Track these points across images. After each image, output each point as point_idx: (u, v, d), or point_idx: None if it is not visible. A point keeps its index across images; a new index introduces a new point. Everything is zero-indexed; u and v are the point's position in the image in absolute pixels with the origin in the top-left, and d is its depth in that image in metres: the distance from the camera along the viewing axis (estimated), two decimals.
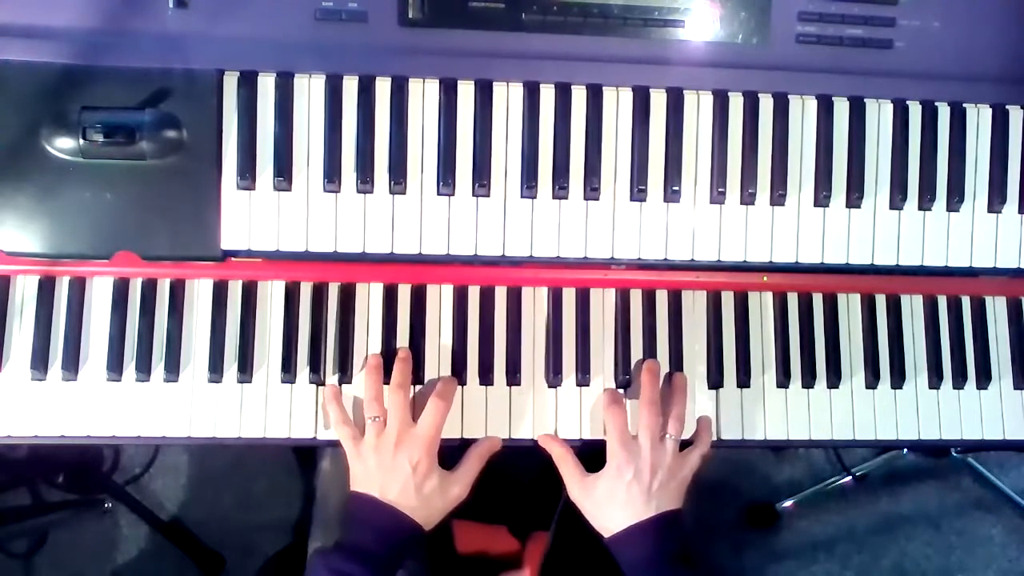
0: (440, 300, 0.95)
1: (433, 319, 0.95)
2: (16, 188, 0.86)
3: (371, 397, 0.90)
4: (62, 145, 0.85)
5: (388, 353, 0.93)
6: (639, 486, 0.88)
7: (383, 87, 0.89)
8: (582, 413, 0.95)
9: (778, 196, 0.93)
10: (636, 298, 0.97)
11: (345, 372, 0.93)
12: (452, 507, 0.92)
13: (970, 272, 0.98)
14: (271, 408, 0.92)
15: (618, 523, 0.89)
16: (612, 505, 0.89)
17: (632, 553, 0.89)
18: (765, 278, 0.98)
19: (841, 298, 1.00)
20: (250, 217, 0.89)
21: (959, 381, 1.00)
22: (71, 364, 0.90)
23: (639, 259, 0.93)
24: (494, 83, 0.90)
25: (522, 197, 0.91)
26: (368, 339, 0.94)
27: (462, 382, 0.94)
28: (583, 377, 0.95)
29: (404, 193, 0.90)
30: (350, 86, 0.89)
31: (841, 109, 0.94)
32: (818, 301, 1.00)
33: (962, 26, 0.94)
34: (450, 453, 0.92)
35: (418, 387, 0.94)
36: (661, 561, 0.87)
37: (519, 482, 1.22)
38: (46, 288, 0.91)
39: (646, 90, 0.92)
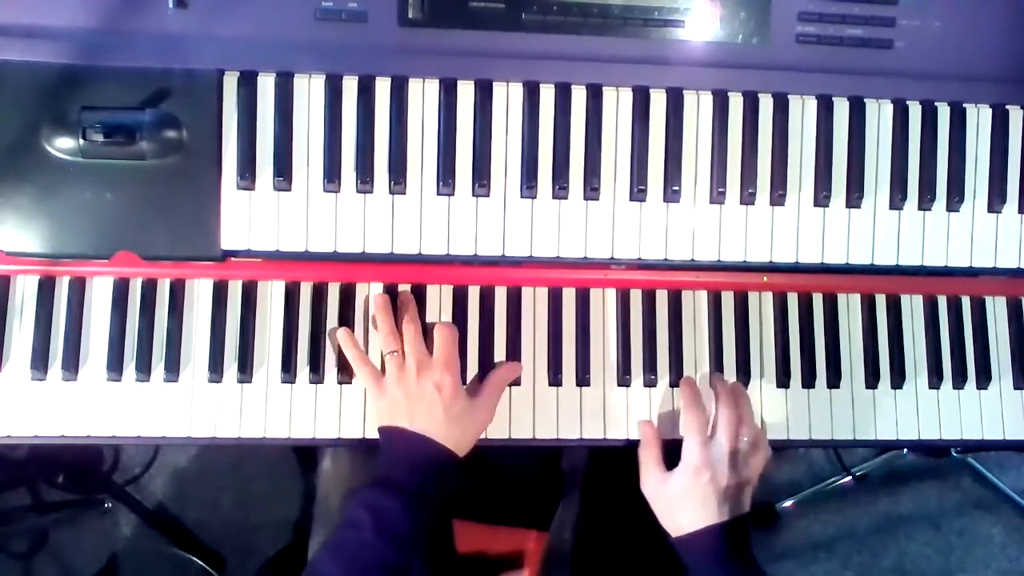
0: (440, 300, 0.95)
1: (433, 319, 0.95)
2: (16, 188, 0.85)
3: (386, 332, 0.91)
4: (62, 145, 0.85)
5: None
6: (715, 488, 0.88)
7: (383, 87, 0.89)
8: (582, 413, 0.95)
9: (778, 196, 0.93)
10: (636, 298, 0.97)
11: (345, 372, 0.93)
12: (480, 432, 0.91)
13: (970, 272, 0.98)
14: (271, 408, 0.92)
15: (689, 524, 0.88)
16: (686, 505, 0.89)
17: (700, 554, 0.88)
18: (765, 278, 0.99)
19: (841, 298, 1.00)
20: (250, 217, 0.88)
21: (959, 381, 1.00)
22: (71, 364, 0.90)
23: (639, 259, 0.93)
24: (494, 83, 0.90)
25: (522, 197, 0.91)
26: (368, 339, 0.94)
27: (462, 383, 0.94)
28: (583, 377, 0.95)
29: (404, 193, 0.90)
30: (350, 86, 0.89)
31: (841, 109, 0.94)
32: (818, 301, 1.00)
33: (962, 26, 0.94)
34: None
35: None
36: (728, 562, 0.87)
37: (519, 482, 1.22)
38: (46, 288, 0.91)
39: (646, 90, 0.92)
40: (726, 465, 0.89)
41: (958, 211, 0.96)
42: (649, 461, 0.92)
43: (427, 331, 0.94)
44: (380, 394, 0.90)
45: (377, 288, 0.94)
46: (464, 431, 0.90)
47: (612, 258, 0.93)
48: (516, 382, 0.94)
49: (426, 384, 0.88)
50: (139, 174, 0.86)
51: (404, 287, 0.95)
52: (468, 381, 0.94)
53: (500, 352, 0.95)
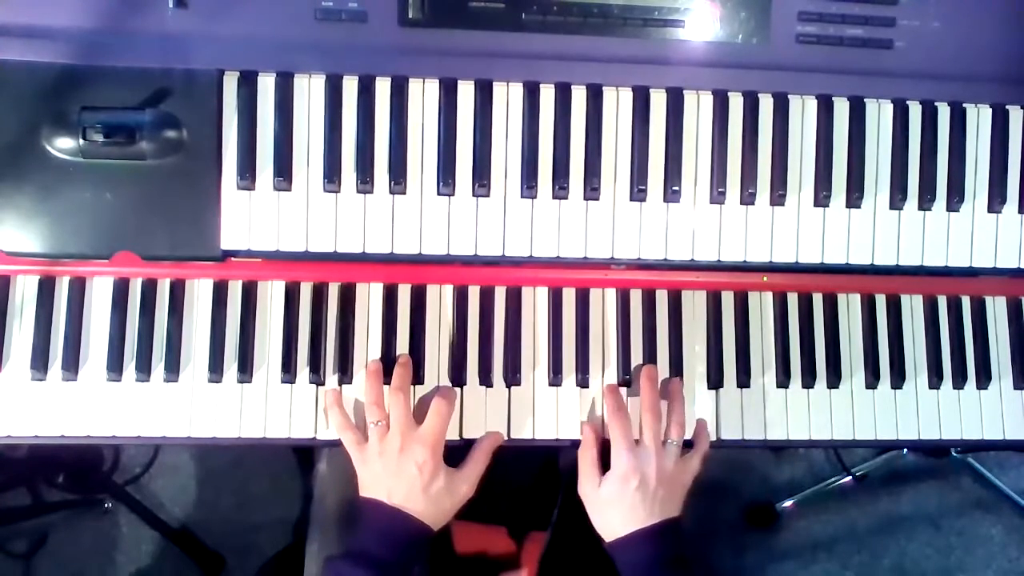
0: (440, 300, 0.95)
1: (433, 319, 0.95)
2: (16, 188, 0.86)
3: (372, 401, 0.90)
4: (62, 145, 0.85)
5: (388, 354, 0.93)
6: (643, 494, 0.89)
7: (383, 87, 0.89)
8: (582, 413, 0.95)
9: (778, 196, 0.93)
10: (636, 298, 0.97)
11: (345, 372, 0.93)
12: (460, 505, 0.92)
13: (970, 272, 0.98)
14: (271, 408, 0.92)
15: (619, 529, 0.89)
16: (615, 510, 0.90)
17: (631, 559, 0.89)
18: (765, 278, 0.98)
19: (841, 298, 1.00)
20: (250, 217, 0.88)
21: (959, 381, 1.00)
22: (71, 364, 0.90)
23: (639, 259, 0.93)
24: (494, 83, 0.90)
25: (522, 197, 0.91)
26: (368, 339, 0.94)
27: (462, 382, 0.94)
28: (583, 377, 0.95)
29: (404, 193, 0.90)
30: (350, 86, 0.89)
31: (841, 109, 0.94)
32: (818, 301, 1.00)
33: (962, 26, 0.94)
34: (451, 453, 0.92)
35: (418, 388, 0.93)
36: (658, 566, 0.88)
37: (517, 482, 1.22)
38: (46, 288, 0.91)
39: (646, 90, 0.92)
40: (653, 471, 0.89)
41: (958, 211, 0.96)
42: (586, 464, 0.92)
43: (424, 331, 0.94)
44: (362, 463, 0.90)
45: (377, 288, 0.94)
46: (441, 507, 0.90)
47: (612, 258, 0.93)
48: (516, 383, 0.94)
49: (407, 461, 0.88)
50: (139, 174, 0.86)
51: (405, 309, 0.95)
52: (469, 381, 0.94)
53: (500, 352, 0.95)
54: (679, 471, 0.91)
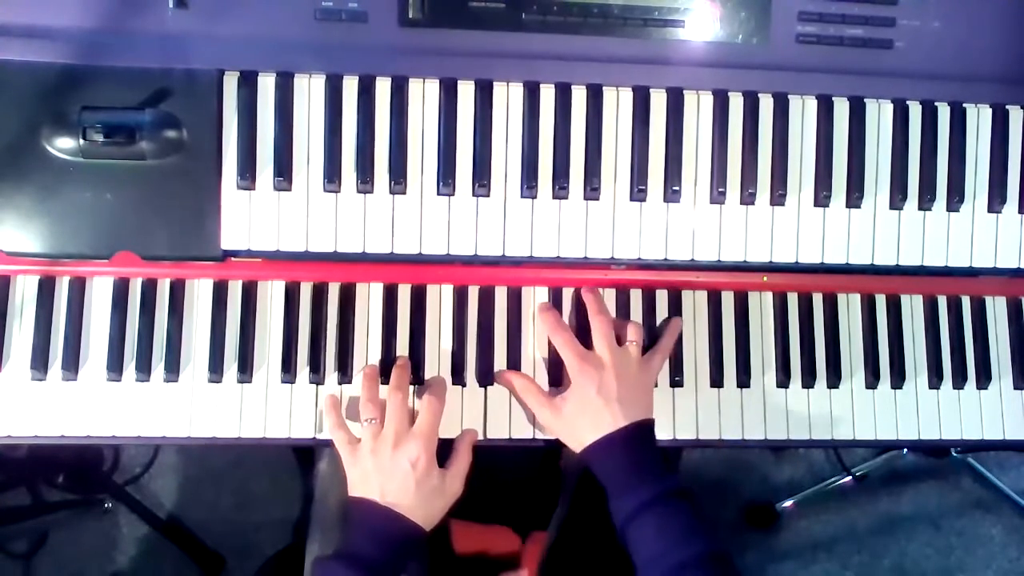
0: (440, 300, 0.95)
1: (433, 319, 0.95)
2: (16, 188, 0.85)
3: (366, 399, 0.90)
4: (62, 145, 0.85)
5: (388, 354, 0.93)
6: (605, 399, 0.87)
7: (383, 87, 0.89)
8: None
9: (778, 196, 0.93)
10: (636, 298, 0.97)
11: (345, 372, 0.93)
12: (451, 504, 0.91)
13: (970, 272, 0.98)
14: (271, 408, 0.92)
15: (589, 438, 0.88)
16: (582, 422, 0.88)
17: (606, 464, 0.87)
18: (765, 278, 0.98)
19: (841, 298, 1.00)
20: (250, 217, 0.88)
21: (959, 381, 1.00)
22: (71, 364, 0.90)
23: (639, 259, 0.93)
24: (494, 83, 0.90)
25: (522, 197, 0.91)
26: (368, 339, 0.94)
27: (462, 382, 0.94)
28: None
29: (404, 193, 0.90)
30: (350, 86, 0.89)
31: (841, 109, 0.94)
32: (818, 301, 1.00)
33: (962, 26, 0.94)
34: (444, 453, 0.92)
35: (418, 389, 0.93)
36: (635, 471, 0.86)
37: (518, 482, 1.22)
38: (46, 288, 0.91)
39: (646, 90, 0.92)
40: (612, 374, 0.88)
41: (958, 211, 0.96)
42: (534, 402, 0.92)
43: (424, 332, 0.94)
44: (353, 462, 0.89)
45: (377, 288, 0.94)
46: (434, 506, 0.89)
47: (612, 258, 0.93)
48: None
49: (400, 458, 0.87)
50: (139, 174, 0.86)
51: (405, 311, 0.95)
52: (468, 381, 0.94)
53: (500, 352, 0.95)
54: (641, 371, 0.90)
